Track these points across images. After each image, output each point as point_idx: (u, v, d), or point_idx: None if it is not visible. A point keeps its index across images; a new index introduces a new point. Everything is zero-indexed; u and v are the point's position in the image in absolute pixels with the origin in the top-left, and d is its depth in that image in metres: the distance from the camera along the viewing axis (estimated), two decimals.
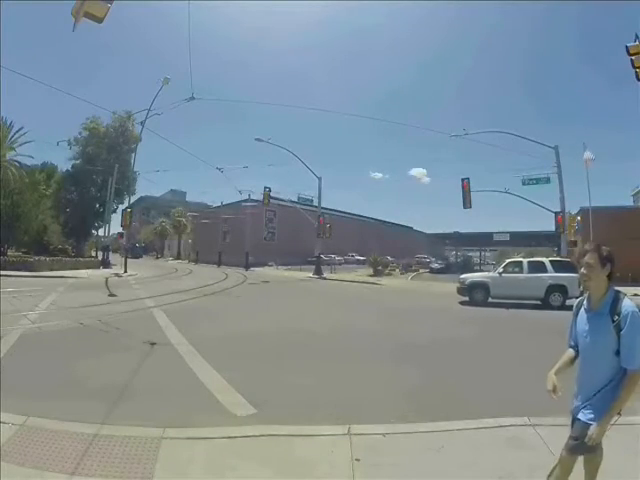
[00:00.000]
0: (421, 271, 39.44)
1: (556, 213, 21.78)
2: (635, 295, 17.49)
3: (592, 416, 2.16)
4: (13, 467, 2.83)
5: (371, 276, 29.77)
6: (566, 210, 22.83)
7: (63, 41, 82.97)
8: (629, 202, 36.12)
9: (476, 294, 14.35)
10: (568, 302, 13.40)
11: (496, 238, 42.63)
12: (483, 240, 50.94)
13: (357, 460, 3.05)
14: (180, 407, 4.22)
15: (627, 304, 2.09)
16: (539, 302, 14.08)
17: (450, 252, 57.69)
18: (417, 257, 51.50)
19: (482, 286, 14.45)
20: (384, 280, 27.08)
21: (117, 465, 2.94)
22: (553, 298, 13.97)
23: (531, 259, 15.54)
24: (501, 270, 14.68)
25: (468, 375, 5.75)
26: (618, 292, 2.18)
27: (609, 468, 2.93)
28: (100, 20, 6.67)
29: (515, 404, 4.16)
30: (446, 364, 6.34)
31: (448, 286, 23.02)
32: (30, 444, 3.07)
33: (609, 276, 2.21)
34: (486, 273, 16.66)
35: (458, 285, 15.24)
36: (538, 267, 14.49)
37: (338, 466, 2.98)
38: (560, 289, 13.96)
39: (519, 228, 47.83)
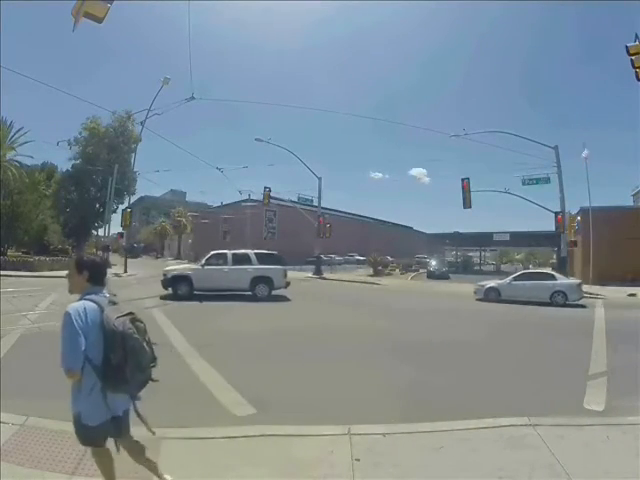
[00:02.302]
0: (421, 271, 39.40)
1: (556, 213, 21.77)
2: (632, 295, 17.55)
3: None
4: (13, 467, 2.83)
5: (371, 276, 29.77)
6: (566, 210, 22.84)
7: (63, 41, 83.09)
8: (629, 202, 36.10)
9: (181, 287, 13.74)
10: (275, 292, 14.41)
11: (496, 238, 42.67)
12: (483, 240, 50.92)
13: (357, 460, 3.05)
14: (180, 407, 4.22)
15: (69, 307, 2.13)
16: (249, 293, 14.17)
17: (450, 252, 57.60)
18: (417, 257, 51.47)
19: (185, 279, 13.92)
20: (384, 280, 27.08)
21: (117, 465, 2.94)
22: (259, 289, 14.18)
23: (235, 251, 15.24)
24: (204, 262, 14.46)
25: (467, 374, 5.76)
26: (88, 295, 2.21)
27: (609, 468, 2.94)
28: (100, 20, 6.67)
29: None
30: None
31: (448, 286, 23.06)
32: (30, 444, 3.07)
33: (90, 280, 2.25)
34: (189, 265, 16.01)
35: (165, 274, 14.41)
36: (243, 259, 14.57)
37: (338, 466, 2.98)
38: (265, 281, 14.24)
39: (519, 228, 47.89)
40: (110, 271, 26.05)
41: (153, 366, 2.38)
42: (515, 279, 16.40)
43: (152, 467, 2.60)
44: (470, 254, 59.68)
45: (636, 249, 22.18)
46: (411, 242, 69.95)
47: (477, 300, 16.11)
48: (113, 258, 34.01)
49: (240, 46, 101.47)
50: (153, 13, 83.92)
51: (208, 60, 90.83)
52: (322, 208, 31.92)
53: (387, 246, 53.34)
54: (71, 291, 2.33)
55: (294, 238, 45.43)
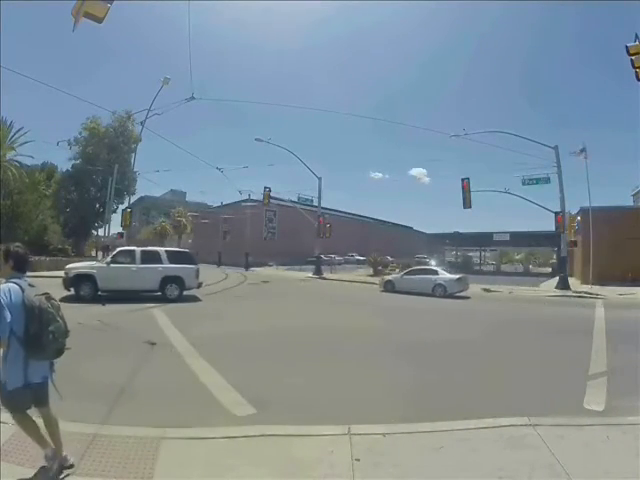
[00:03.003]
0: None
1: (556, 213, 21.77)
2: (633, 295, 17.54)
3: None
4: (13, 467, 2.83)
5: (371, 276, 29.74)
6: (566, 210, 22.84)
7: (63, 41, 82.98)
8: (629, 202, 36.05)
9: (83, 288, 12.62)
10: (186, 293, 13.56)
11: (496, 238, 42.64)
12: (483, 240, 50.84)
13: (357, 460, 3.05)
14: (180, 407, 4.22)
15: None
16: (159, 294, 13.25)
17: (450, 252, 57.53)
18: (417, 257, 51.37)
19: (89, 278, 12.74)
20: None
21: (117, 465, 2.94)
22: (169, 290, 13.30)
23: (145, 248, 14.48)
24: (109, 260, 13.50)
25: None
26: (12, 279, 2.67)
27: (609, 468, 2.94)
28: (100, 20, 6.67)
29: None
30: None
31: None
32: (30, 444, 3.06)
33: (14, 267, 2.73)
34: (93, 263, 14.68)
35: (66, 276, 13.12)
36: (152, 257, 13.62)
37: (338, 466, 2.98)
38: (176, 281, 13.40)
39: (519, 228, 47.79)
40: None
41: (66, 337, 2.79)
42: (406, 274, 19.28)
43: (58, 445, 2.83)
44: (470, 254, 59.56)
45: (636, 249, 22.17)
46: (411, 242, 69.93)
47: (380, 291, 18.98)
48: None
49: (240, 46, 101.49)
50: (153, 13, 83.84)
51: (208, 60, 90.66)
52: (322, 208, 31.94)
53: (387, 246, 53.30)
54: None
55: (294, 238, 45.45)
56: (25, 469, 2.83)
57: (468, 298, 17.09)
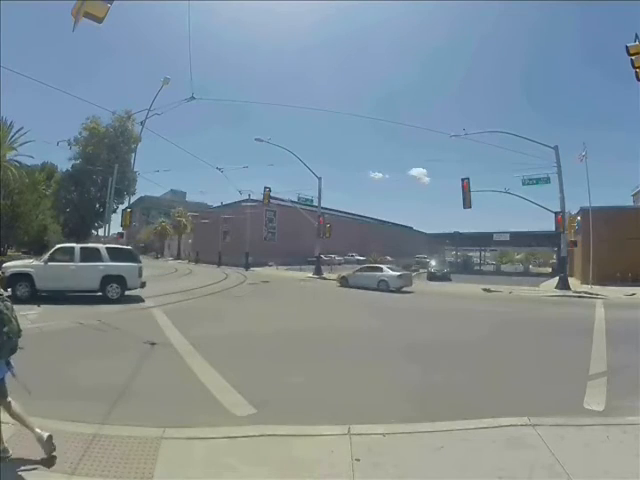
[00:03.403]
0: (421, 271, 39.38)
1: (556, 213, 21.75)
2: (633, 295, 17.53)
3: None
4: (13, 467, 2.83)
5: None
6: (566, 210, 22.81)
7: (63, 41, 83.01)
8: (629, 202, 36.03)
9: (20, 288, 11.71)
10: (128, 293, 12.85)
11: (496, 238, 42.64)
12: (483, 240, 50.87)
13: (357, 460, 3.05)
14: (180, 407, 4.22)
15: None
16: (98, 294, 12.54)
17: (450, 252, 57.54)
18: (417, 257, 51.42)
19: (26, 278, 11.88)
20: None
21: (117, 465, 2.94)
22: (110, 290, 12.51)
23: (85, 245, 13.83)
24: (47, 258, 12.44)
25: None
26: None
27: (609, 468, 2.94)
28: (100, 20, 6.65)
29: None
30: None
31: (449, 286, 23.04)
32: (30, 444, 3.07)
33: None
34: (30, 261, 13.50)
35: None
36: (92, 255, 12.78)
37: (338, 466, 2.98)
38: (118, 280, 12.59)
39: (519, 228, 47.84)
40: None
41: (19, 337, 3.06)
42: (357, 271, 21.78)
43: (26, 423, 3.05)
44: (470, 254, 59.61)
45: (636, 249, 22.16)
46: (411, 242, 69.92)
47: (337, 287, 21.12)
48: None
49: (240, 46, 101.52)
50: (153, 13, 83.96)
51: (208, 60, 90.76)
52: (322, 208, 31.92)
53: (387, 246, 53.35)
54: None
55: (294, 238, 45.43)
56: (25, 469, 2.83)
57: (412, 293, 18.83)
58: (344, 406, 4.31)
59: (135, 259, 13.60)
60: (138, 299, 12.87)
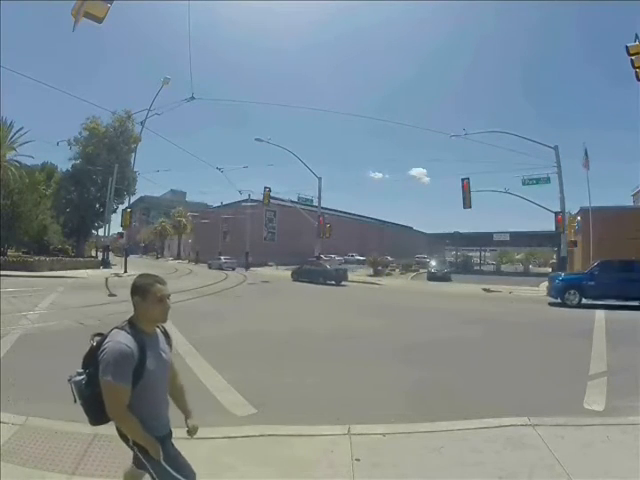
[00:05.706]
0: (421, 271, 39.38)
1: (556, 213, 21.76)
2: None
3: None
4: (13, 467, 2.83)
5: (371, 276, 29.76)
6: (566, 210, 22.82)
7: (63, 41, 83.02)
8: (629, 202, 36.04)
9: None
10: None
11: (496, 238, 42.58)
12: (483, 240, 50.80)
13: (357, 460, 3.05)
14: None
15: None
16: None
17: (450, 252, 57.51)
18: (417, 257, 51.44)
19: None
20: (384, 280, 27.08)
21: (117, 465, 2.93)
22: None
23: None
24: None
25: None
26: None
27: (609, 468, 2.94)
28: (100, 20, 6.68)
29: None
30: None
31: (450, 287, 23.05)
32: (30, 444, 3.07)
33: None
34: None
35: None
36: None
37: (338, 466, 2.98)
38: None
39: (519, 228, 47.86)
40: (110, 271, 26.13)
41: None
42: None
43: None
44: (470, 254, 59.55)
45: (636, 249, 22.15)
46: (411, 242, 69.97)
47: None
48: (113, 258, 34.08)
49: (240, 46, 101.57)
50: (153, 13, 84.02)
51: (208, 60, 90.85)
52: (322, 208, 31.94)
53: (387, 246, 53.44)
54: None
55: (294, 238, 45.47)
56: (25, 469, 2.83)
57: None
58: (344, 406, 4.32)
59: None
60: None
